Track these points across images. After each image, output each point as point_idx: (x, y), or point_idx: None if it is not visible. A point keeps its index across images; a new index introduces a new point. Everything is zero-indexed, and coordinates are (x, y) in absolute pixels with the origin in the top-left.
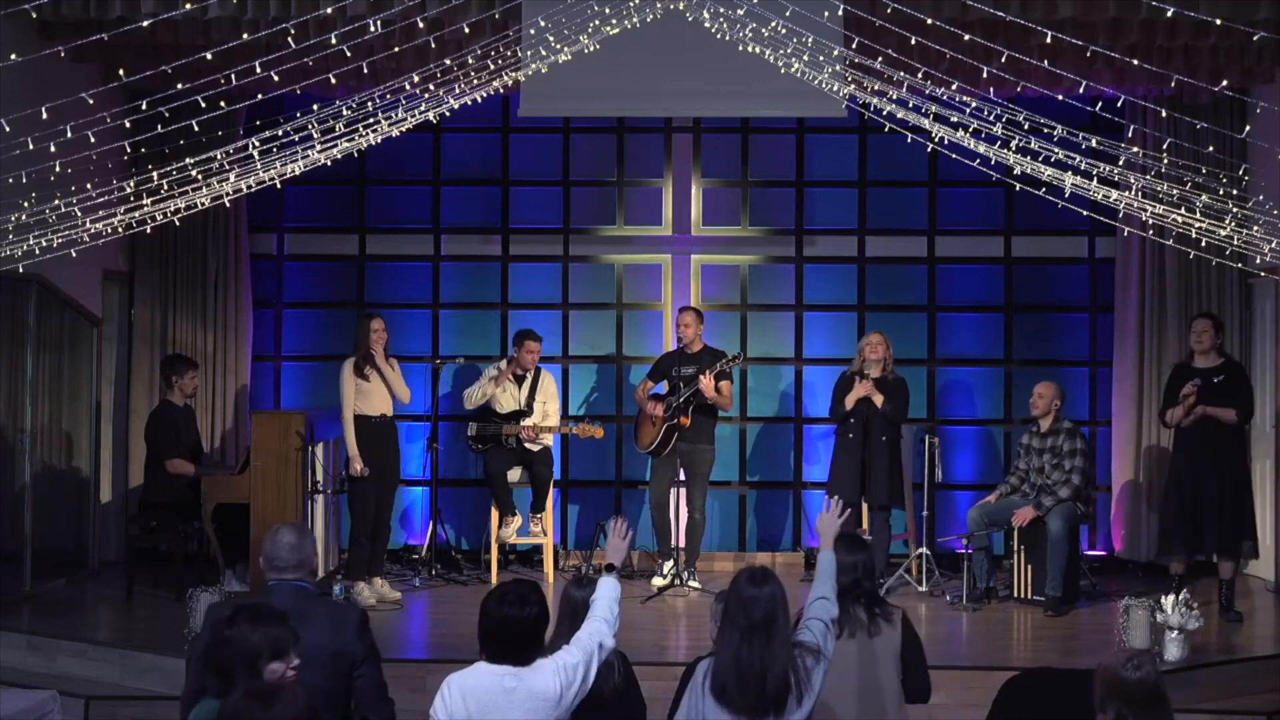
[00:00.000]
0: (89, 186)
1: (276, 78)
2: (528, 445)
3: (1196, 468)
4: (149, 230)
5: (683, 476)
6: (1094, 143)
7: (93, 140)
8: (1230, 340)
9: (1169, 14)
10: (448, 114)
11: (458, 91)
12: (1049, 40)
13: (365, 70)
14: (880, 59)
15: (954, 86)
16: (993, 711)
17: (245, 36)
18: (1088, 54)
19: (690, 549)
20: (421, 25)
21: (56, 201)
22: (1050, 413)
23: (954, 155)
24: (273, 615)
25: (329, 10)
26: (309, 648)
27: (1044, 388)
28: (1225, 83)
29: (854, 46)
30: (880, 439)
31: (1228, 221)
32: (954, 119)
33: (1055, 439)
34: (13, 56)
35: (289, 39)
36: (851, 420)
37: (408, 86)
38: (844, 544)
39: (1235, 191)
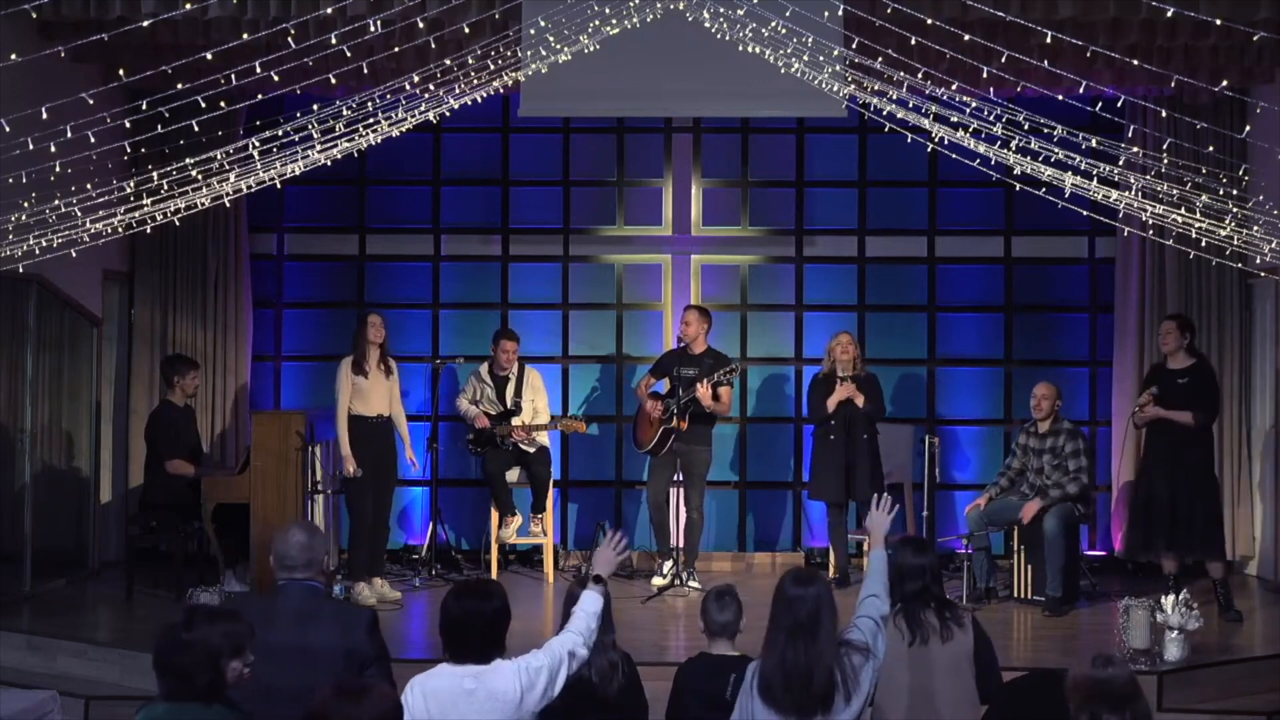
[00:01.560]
0: (89, 186)
1: (276, 78)
2: (523, 446)
3: (1155, 469)
4: (149, 230)
5: (680, 477)
6: (1094, 143)
7: (93, 140)
8: (1230, 340)
9: (1169, 14)
10: (448, 114)
11: (458, 91)
12: (1049, 40)
13: (365, 70)
14: (880, 59)
15: (954, 86)
16: (989, 712)
17: (245, 36)
18: (1088, 54)
19: (689, 549)
20: (421, 25)
21: (56, 201)
22: (1051, 414)
23: (954, 155)
24: (228, 613)
25: (329, 10)
26: (321, 648)
27: (1044, 389)
28: (1225, 83)
29: (854, 46)
30: (862, 437)
31: (1228, 221)
32: (954, 119)
33: (1055, 439)
34: (13, 56)
35: (289, 39)
36: (832, 421)
37: (408, 86)
38: (910, 547)
39: (1235, 191)
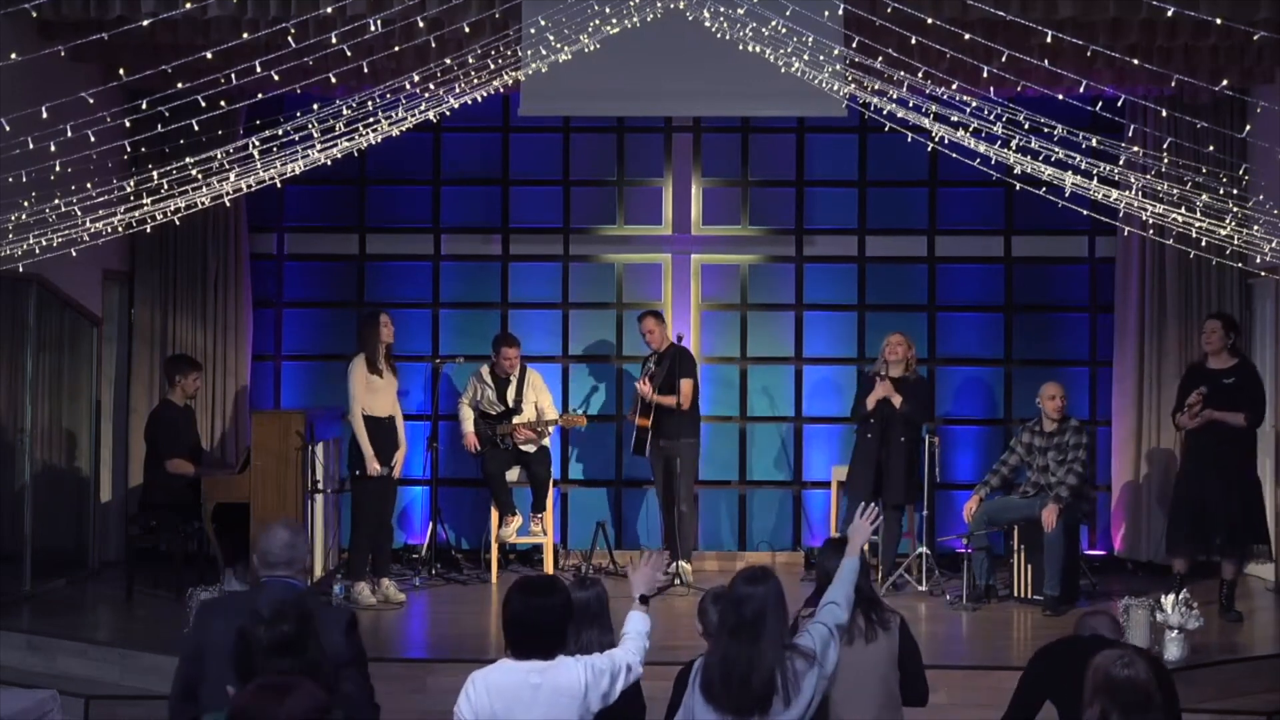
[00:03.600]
0: (89, 186)
1: (276, 77)
2: (522, 446)
3: (1203, 469)
4: (149, 230)
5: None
6: (1094, 142)
7: (93, 140)
8: None
9: (1169, 14)
10: (448, 114)
11: (458, 91)
12: (1049, 40)
13: (365, 70)
14: (880, 59)
15: (954, 86)
16: (1025, 677)
17: (245, 36)
18: (1088, 54)
19: (681, 542)
20: (421, 25)
21: (56, 201)
22: (1060, 412)
23: (954, 155)
24: (303, 599)
25: (329, 10)
26: None
27: (1056, 389)
28: (1225, 82)
29: (854, 46)
30: (899, 439)
31: (1228, 221)
32: (954, 119)
33: (1062, 436)
34: (13, 56)
35: (289, 39)
36: (871, 421)
37: (408, 86)
38: (835, 545)
39: (1235, 191)
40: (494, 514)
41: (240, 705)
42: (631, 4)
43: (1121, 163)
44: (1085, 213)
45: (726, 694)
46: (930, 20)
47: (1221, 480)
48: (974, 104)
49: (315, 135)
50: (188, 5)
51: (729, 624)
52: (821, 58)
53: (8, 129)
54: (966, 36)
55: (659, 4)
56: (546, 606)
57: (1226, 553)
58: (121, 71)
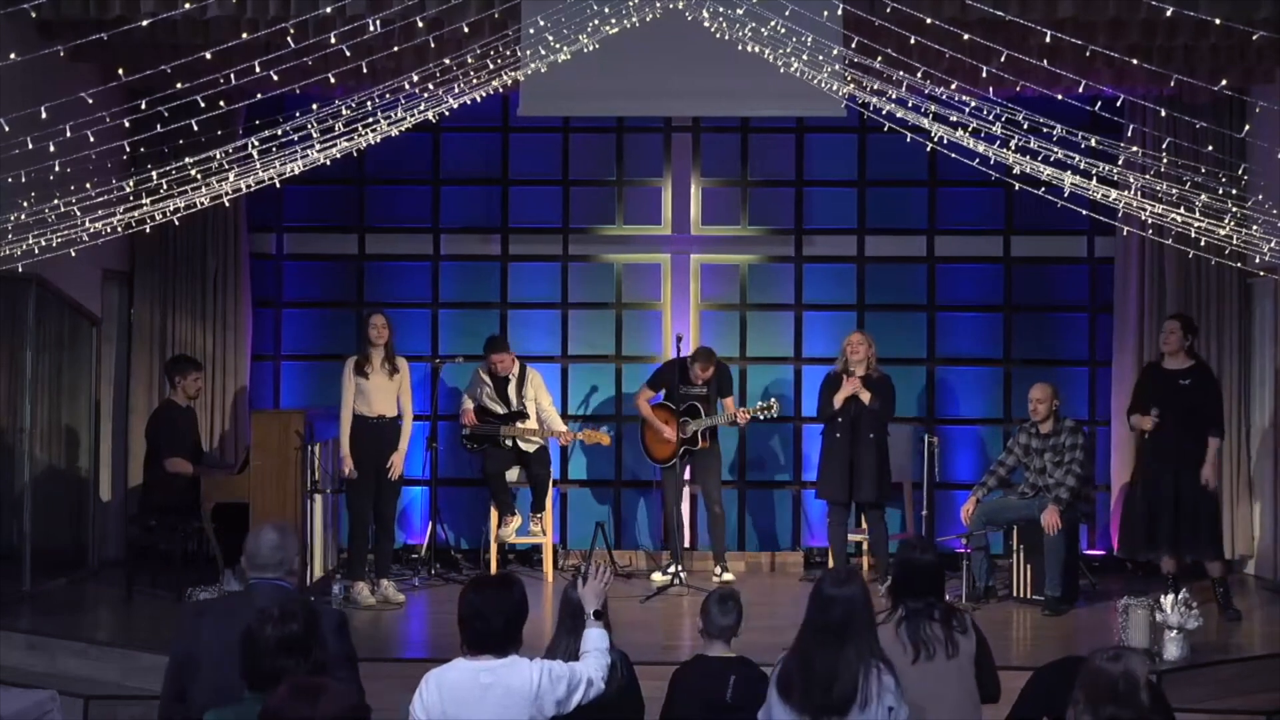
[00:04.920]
0: (88, 186)
1: (276, 77)
2: (523, 446)
3: (1156, 467)
4: (149, 230)
5: (687, 475)
6: (1093, 142)
7: (92, 140)
8: (1230, 340)
9: (1169, 14)
10: (447, 114)
11: (457, 91)
12: (1048, 40)
13: (365, 70)
14: (880, 59)
15: (953, 86)
16: (1020, 701)
17: (245, 36)
18: (1087, 54)
19: (716, 543)
20: (421, 25)
21: (56, 201)
22: (1051, 414)
23: (953, 155)
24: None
25: (329, 10)
26: None
27: (1040, 392)
28: (1225, 82)
29: (853, 46)
30: (869, 437)
31: (1227, 221)
32: (953, 119)
33: (1058, 438)
34: (12, 56)
35: (289, 39)
36: (839, 419)
37: (407, 86)
38: (916, 547)
39: (1235, 191)
40: (493, 514)
41: (273, 706)
42: (631, 4)
43: (1120, 163)
44: (1084, 213)
45: (807, 697)
46: (929, 20)
47: (1182, 480)
48: (973, 104)
49: (315, 135)
50: (188, 5)
51: (814, 625)
52: (821, 58)
53: (8, 129)
54: (966, 36)
55: (659, 4)
56: (502, 600)
57: (1186, 551)
58: (121, 71)
